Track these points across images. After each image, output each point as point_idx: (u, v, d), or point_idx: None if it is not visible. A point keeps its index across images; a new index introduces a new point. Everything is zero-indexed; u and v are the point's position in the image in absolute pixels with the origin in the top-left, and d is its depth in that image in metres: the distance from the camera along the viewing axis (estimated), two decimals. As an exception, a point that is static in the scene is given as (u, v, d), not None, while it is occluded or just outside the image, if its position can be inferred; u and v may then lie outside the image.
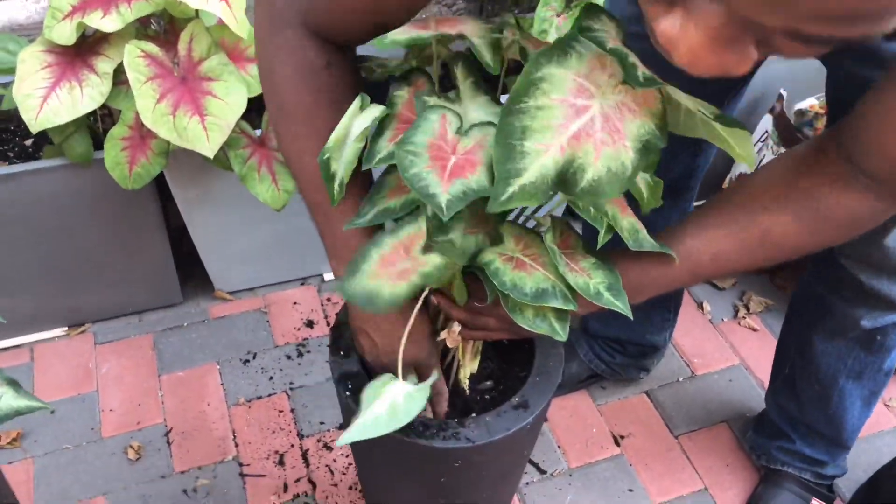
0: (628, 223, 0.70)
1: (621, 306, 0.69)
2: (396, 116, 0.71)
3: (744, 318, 1.64)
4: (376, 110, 0.68)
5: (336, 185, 0.69)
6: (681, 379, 1.52)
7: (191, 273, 1.62)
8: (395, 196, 0.69)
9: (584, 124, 0.56)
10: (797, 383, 1.18)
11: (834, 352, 1.09)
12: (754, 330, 1.62)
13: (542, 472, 1.36)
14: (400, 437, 0.82)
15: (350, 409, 0.86)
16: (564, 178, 0.57)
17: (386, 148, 0.67)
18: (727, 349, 1.58)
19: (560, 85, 0.56)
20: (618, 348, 1.41)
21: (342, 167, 0.68)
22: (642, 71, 0.56)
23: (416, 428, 0.83)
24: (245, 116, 1.25)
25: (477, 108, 0.69)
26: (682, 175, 1.15)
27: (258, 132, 1.25)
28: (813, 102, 1.58)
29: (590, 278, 0.70)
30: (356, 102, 0.68)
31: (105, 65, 1.18)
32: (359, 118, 0.67)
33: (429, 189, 0.60)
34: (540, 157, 0.56)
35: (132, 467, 1.34)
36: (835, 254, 0.98)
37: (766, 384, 1.51)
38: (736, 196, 0.74)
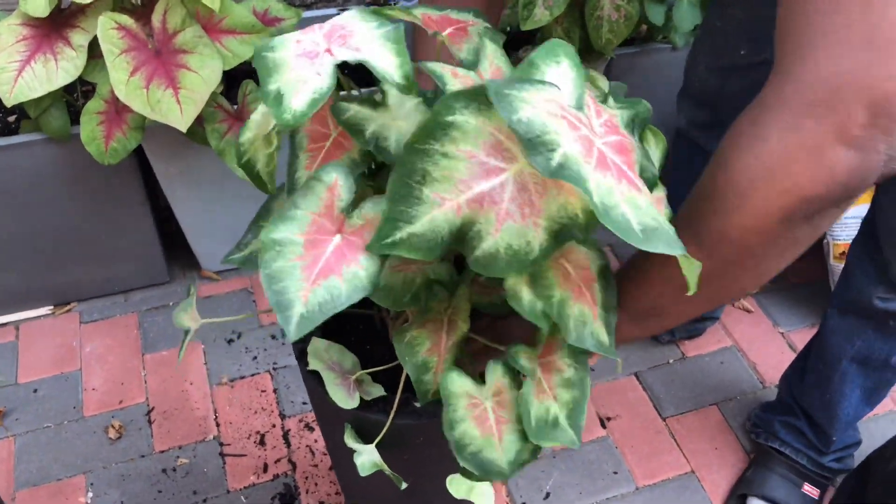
0: (579, 311, 0.61)
1: (570, 439, 0.63)
2: (307, 133, 0.64)
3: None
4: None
5: (267, 183, 0.66)
6: (671, 361, 1.50)
7: (178, 252, 1.61)
8: None
9: (490, 188, 0.49)
10: (808, 362, 1.16)
11: (843, 329, 1.06)
12: (749, 311, 1.59)
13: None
14: (360, 413, 0.80)
15: (312, 385, 0.84)
16: (461, 238, 0.50)
17: (305, 177, 0.61)
18: (720, 330, 1.55)
19: (474, 138, 0.49)
20: None
21: (265, 172, 0.65)
22: (563, 157, 0.46)
23: (376, 404, 0.81)
24: (224, 91, 1.24)
25: (406, 119, 0.61)
26: None
27: (235, 106, 1.23)
28: None
29: (554, 400, 0.64)
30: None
31: (80, 37, 1.16)
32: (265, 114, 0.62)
33: (285, 296, 0.51)
34: (434, 209, 0.49)
35: (113, 446, 1.33)
36: (877, 224, 0.96)
37: (759, 367, 1.48)
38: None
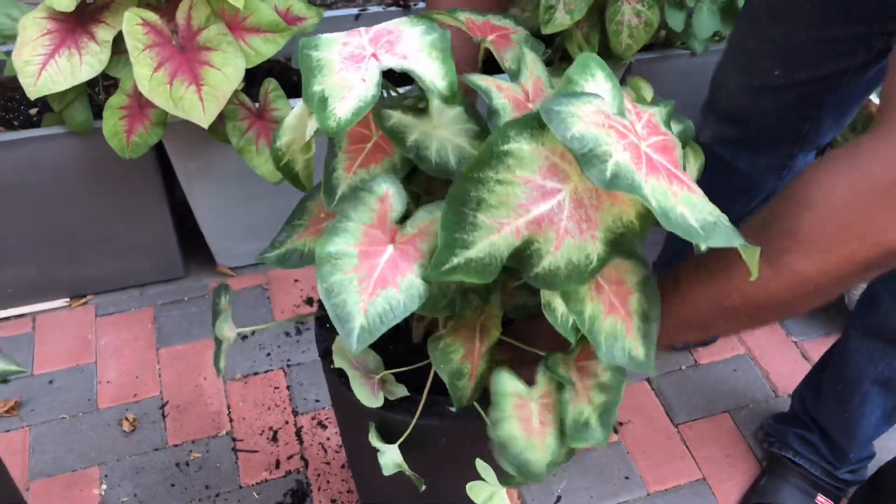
0: (610, 325, 0.61)
1: (598, 439, 0.64)
2: (347, 134, 0.64)
3: (752, 308, 1.60)
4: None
5: (305, 184, 0.66)
6: (683, 367, 1.50)
7: (194, 248, 1.62)
8: (310, 235, 0.64)
9: (548, 210, 0.51)
10: (824, 380, 1.16)
11: (867, 351, 1.06)
12: (762, 320, 1.58)
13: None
14: (384, 413, 0.81)
15: (335, 383, 0.84)
16: (519, 258, 0.51)
17: (344, 181, 0.61)
18: (733, 338, 1.55)
19: (529, 163, 0.50)
20: None
21: (303, 175, 0.65)
22: (615, 167, 0.48)
23: (399, 404, 0.81)
24: (245, 89, 1.25)
25: (448, 126, 0.61)
26: (786, 134, 1.12)
27: (257, 104, 1.23)
28: None
29: (588, 402, 0.65)
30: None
31: (105, 32, 1.17)
32: (310, 120, 0.63)
33: (344, 309, 0.52)
34: (492, 234, 0.50)
35: (127, 439, 1.34)
36: None
37: (771, 375, 1.48)
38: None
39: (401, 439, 0.80)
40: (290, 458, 1.32)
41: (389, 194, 0.56)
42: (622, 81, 1.50)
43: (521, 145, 0.50)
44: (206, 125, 1.12)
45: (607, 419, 0.66)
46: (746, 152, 1.16)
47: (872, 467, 1.27)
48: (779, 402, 1.44)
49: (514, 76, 0.65)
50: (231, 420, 1.37)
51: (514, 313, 0.72)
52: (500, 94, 0.62)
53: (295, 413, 1.39)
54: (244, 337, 1.51)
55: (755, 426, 1.40)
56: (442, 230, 0.51)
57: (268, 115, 1.22)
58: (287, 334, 1.51)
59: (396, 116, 0.61)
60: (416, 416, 0.80)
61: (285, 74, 1.48)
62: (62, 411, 1.37)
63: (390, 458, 0.78)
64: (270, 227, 1.55)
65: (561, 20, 1.29)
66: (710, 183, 1.27)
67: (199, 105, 1.12)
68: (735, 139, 1.16)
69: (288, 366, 1.46)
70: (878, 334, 1.04)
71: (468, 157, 0.61)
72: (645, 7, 1.32)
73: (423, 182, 0.70)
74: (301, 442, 1.34)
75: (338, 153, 0.62)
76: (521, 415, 0.65)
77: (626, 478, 1.31)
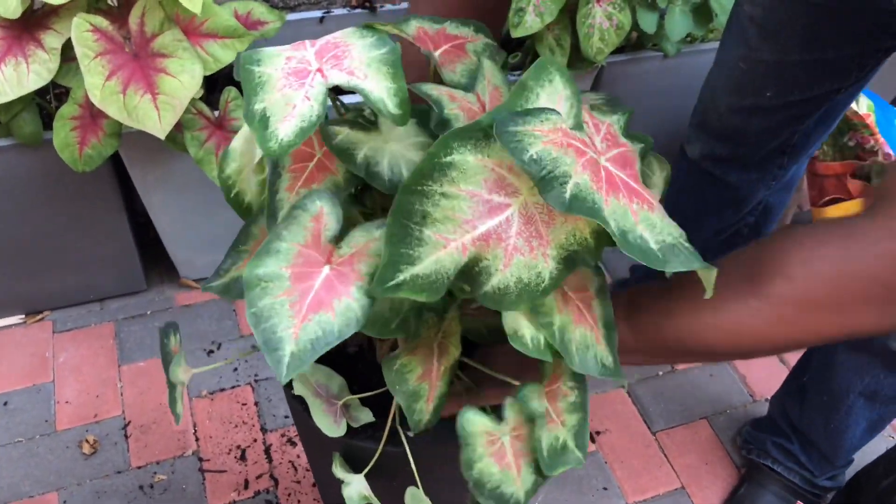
0: (581, 335, 0.59)
1: (577, 460, 0.63)
2: (291, 154, 0.60)
3: (727, 310, 1.58)
4: None
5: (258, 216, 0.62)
6: (660, 373, 1.48)
7: (156, 259, 1.56)
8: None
9: (496, 226, 0.47)
10: (808, 391, 1.15)
11: (854, 365, 1.05)
12: (737, 323, 1.57)
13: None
14: (348, 441, 0.77)
15: (297, 410, 0.80)
16: (468, 275, 0.48)
17: (287, 202, 0.57)
18: (709, 343, 1.53)
19: (474, 176, 0.47)
20: None
21: (256, 204, 0.61)
22: (575, 188, 0.45)
23: (364, 429, 0.78)
24: (204, 97, 1.20)
25: (400, 140, 0.58)
26: (777, 146, 1.11)
27: (216, 113, 1.18)
28: None
29: (562, 426, 0.62)
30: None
31: (53, 39, 1.11)
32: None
33: (274, 335, 0.48)
34: (438, 251, 0.47)
35: (87, 462, 1.28)
36: None
37: (748, 379, 1.47)
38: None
39: (366, 469, 0.76)
40: (259, 477, 1.28)
41: (324, 212, 0.52)
42: (594, 85, 1.47)
43: (465, 157, 0.47)
44: (162, 136, 1.07)
45: (582, 438, 0.64)
46: (737, 167, 1.15)
47: (849, 472, 1.26)
48: (756, 407, 1.42)
49: (466, 90, 0.61)
50: (197, 439, 1.32)
51: (475, 335, 0.69)
52: (454, 104, 0.58)
53: (264, 430, 1.34)
54: (210, 352, 1.46)
55: (733, 432, 1.38)
56: (386, 245, 0.48)
57: (228, 124, 1.17)
58: (254, 348, 1.46)
59: (343, 133, 0.57)
60: (382, 444, 0.76)
61: (247, 79, 1.42)
62: (18, 434, 1.31)
63: (355, 490, 0.75)
64: (233, 239, 1.51)
65: (531, 23, 1.26)
66: (700, 196, 1.24)
67: (155, 115, 1.07)
68: (726, 157, 1.14)
69: (256, 381, 1.41)
70: (865, 349, 1.03)
71: None
72: (616, 10, 1.30)
73: (378, 199, 0.66)
74: (270, 460, 1.30)
75: (281, 173, 0.58)
76: (494, 451, 0.62)
77: (605, 489, 1.29)
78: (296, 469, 1.29)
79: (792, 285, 0.52)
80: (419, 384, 0.66)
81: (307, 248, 0.51)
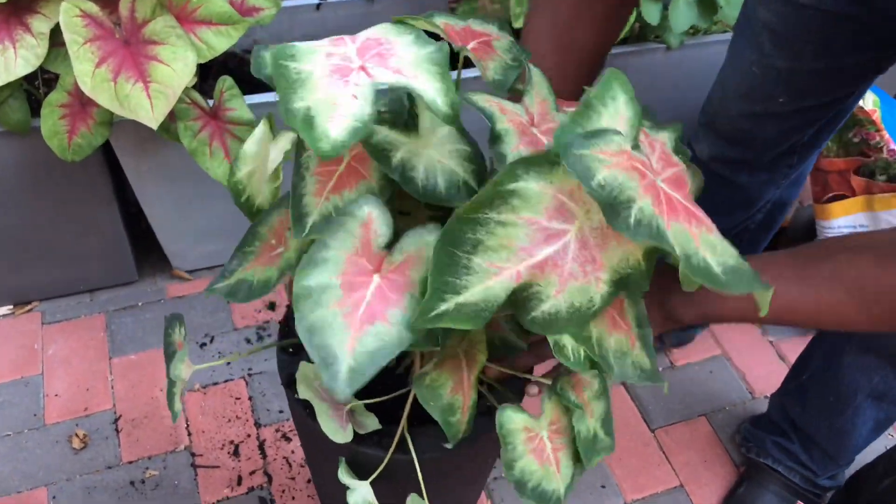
0: (616, 342, 0.58)
1: (608, 447, 0.63)
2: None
3: (726, 306, 1.57)
4: (286, 140, 0.56)
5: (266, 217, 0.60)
6: (660, 370, 1.46)
7: (148, 250, 1.53)
8: (261, 264, 0.58)
9: (553, 253, 0.47)
10: (809, 390, 1.13)
11: (862, 366, 1.03)
12: (737, 319, 1.55)
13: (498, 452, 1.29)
14: (354, 447, 0.75)
15: (300, 414, 0.78)
16: (516, 301, 0.47)
17: (315, 208, 0.55)
18: (709, 339, 1.52)
19: (536, 203, 0.46)
20: None
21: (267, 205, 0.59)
22: (639, 213, 0.44)
23: (370, 435, 0.76)
24: (198, 85, 1.16)
25: (438, 146, 0.56)
26: (787, 148, 1.09)
27: (210, 102, 1.15)
28: None
29: (591, 417, 0.62)
30: (264, 123, 0.56)
31: (41, 24, 1.08)
32: (274, 146, 0.56)
33: (329, 349, 0.46)
34: (488, 279, 0.46)
35: (77, 457, 1.26)
36: None
37: (747, 376, 1.46)
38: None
39: (372, 476, 0.74)
40: (252, 473, 1.26)
41: (373, 218, 0.50)
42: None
43: (529, 184, 0.46)
44: (154, 126, 1.04)
45: (609, 425, 0.65)
46: (747, 169, 1.12)
47: (848, 472, 1.25)
48: (756, 404, 1.41)
49: (500, 87, 0.60)
50: (189, 434, 1.30)
51: (499, 349, 0.67)
52: (504, 116, 0.57)
53: (258, 425, 1.32)
54: (202, 345, 1.43)
55: (732, 429, 1.37)
56: (431, 274, 0.46)
57: (223, 114, 1.14)
58: (247, 341, 1.44)
59: (383, 132, 0.55)
60: (391, 452, 0.75)
61: (242, 69, 1.39)
62: (6, 428, 1.29)
63: (361, 496, 0.73)
64: (228, 229, 1.48)
65: (533, 12, 1.23)
66: (709, 196, 1.22)
67: (147, 104, 1.04)
68: (736, 159, 1.11)
69: (249, 375, 1.39)
70: (875, 350, 1.01)
71: (458, 181, 0.56)
72: None
73: (395, 199, 0.64)
74: (264, 456, 1.28)
75: (305, 176, 0.55)
76: (534, 447, 0.62)
77: (603, 487, 1.27)
78: (290, 465, 1.27)
79: None
80: (452, 397, 0.65)
81: (356, 255, 0.49)
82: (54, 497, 1.21)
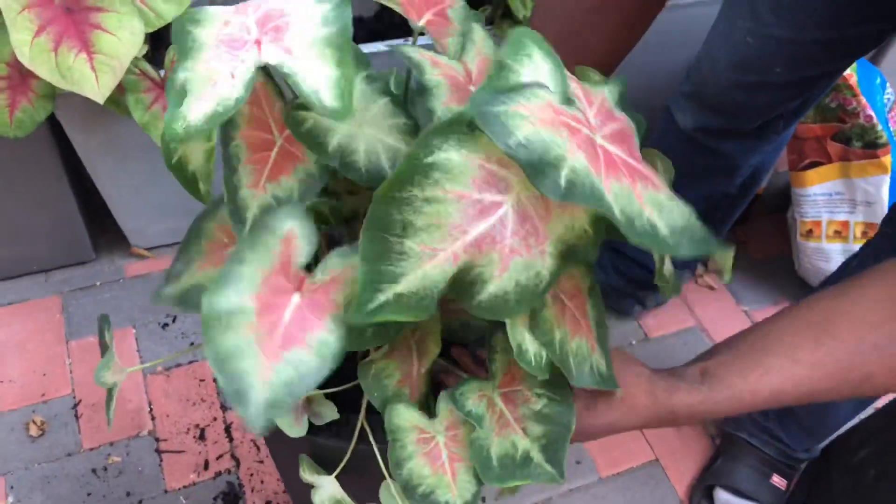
0: (577, 346, 0.54)
1: (549, 477, 0.57)
2: (244, 140, 0.51)
3: (701, 275, 1.55)
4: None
5: (203, 191, 0.55)
6: (634, 342, 1.44)
7: (104, 227, 1.46)
8: (214, 265, 0.53)
9: (489, 228, 0.42)
10: None
11: None
12: (712, 289, 1.54)
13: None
14: (314, 439, 0.71)
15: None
16: (458, 286, 0.43)
17: (254, 201, 0.49)
18: (683, 309, 1.50)
19: (460, 175, 0.41)
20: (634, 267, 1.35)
21: (202, 174, 0.53)
22: (570, 173, 0.39)
23: (329, 427, 0.72)
24: (149, 54, 1.09)
25: (375, 122, 0.51)
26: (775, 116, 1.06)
27: (162, 73, 1.08)
28: None
29: (524, 436, 0.58)
30: None
31: (-27, -11, 0.99)
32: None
33: (242, 380, 0.40)
34: (424, 263, 0.42)
35: (34, 444, 1.21)
36: None
37: (722, 348, 1.44)
38: (832, 323, 0.58)
39: (336, 471, 0.71)
40: (219, 457, 1.22)
41: (295, 234, 0.44)
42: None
43: (450, 154, 0.41)
44: (101, 100, 0.97)
45: (554, 453, 0.58)
46: (733, 138, 1.09)
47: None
48: (730, 375, 1.40)
49: (455, 58, 0.54)
50: (153, 418, 1.26)
51: (447, 332, 0.63)
52: (436, 69, 0.51)
53: (224, 408, 1.28)
54: (164, 325, 1.38)
55: (706, 401, 1.36)
56: (363, 262, 0.41)
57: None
58: (212, 320, 1.39)
59: (312, 118, 0.49)
60: (353, 443, 0.71)
61: (197, 33, 1.31)
62: (-41, 417, 1.23)
63: (327, 493, 0.69)
64: (187, 205, 1.41)
65: (503, -27, 1.17)
66: (690, 164, 1.18)
67: (92, 76, 0.97)
68: (722, 129, 1.07)
69: (214, 356, 1.34)
70: None
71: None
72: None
73: (334, 180, 0.59)
74: (231, 440, 1.24)
75: (237, 167, 0.50)
76: (427, 450, 0.58)
77: (578, 462, 1.26)
78: (258, 448, 1.24)
79: None
80: (399, 388, 0.61)
81: (275, 274, 0.44)
82: (12, 487, 1.16)
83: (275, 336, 0.41)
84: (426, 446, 0.58)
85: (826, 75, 0.97)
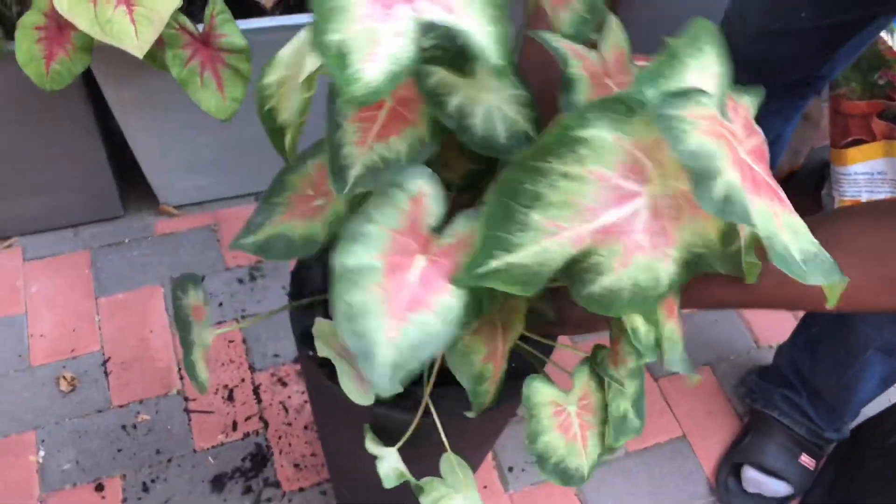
0: (669, 331, 0.54)
1: (636, 429, 0.60)
2: None
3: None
4: None
5: (288, 143, 0.53)
6: (664, 317, 1.43)
7: (133, 183, 1.45)
8: (299, 217, 0.52)
9: (622, 216, 0.40)
10: (821, 344, 1.11)
11: (876, 320, 1.01)
12: (743, 266, 1.52)
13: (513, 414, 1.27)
14: (380, 411, 0.71)
15: (314, 374, 0.74)
16: (572, 271, 0.41)
17: (358, 160, 0.48)
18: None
19: (607, 156, 0.40)
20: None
21: (292, 126, 0.52)
22: (725, 187, 0.38)
23: (389, 400, 0.71)
24: (186, 8, 1.07)
25: (496, 91, 0.49)
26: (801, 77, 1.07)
27: (200, 27, 1.06)
28: None
29: (624, 394, 0.59)
30: (308, 29, 0.49)
31: (11, -65, 0.97)
32: (311, 55, 0.48)
33: (369, 338, 0.40)
34: (544, 239, 0.40)
35: (65, 399, 1.22)
36: None
37: (753, 325, 1.43)
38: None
39: (400, 442, 0.70)
40: (247, 419, 1.22)
41: (425, 194, 0.43)
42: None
43: (602, 132, 0.39)
44: (140, 54, 0.95)
45: (640, 407, 0.62)
46: None
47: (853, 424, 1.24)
48: (760, 353, 1.39)
49: (578, 39, 0.54)
50: (182, 378, 1.26)
51: (525, 316, 0.63)
52: (579, 62, 0.50)
53: (252, 369, 1.28)
54: (193, 284, 1.37)
55: (735, 380, 1.35)
56: (482, 226, 0.40)
57: (213, 41, 1.05)
58: (240, 281, 1.39)
59: (439, 75, 0.48)
60: (419, 415, 0.71)
61: (232, -12, 1.28)
62: (-10, 369, 1.24)
63: (390, 465, 0.69)
64: (217, 163, 1.40)
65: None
66: None
67: (132, 30, 0.95)
68: (746, 85, 1.06)
69: (243, 317, 1.34)
70: None
71: (518, 130, 0.50)
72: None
73: (461, 162, 0.59)
74: (259, 401, 1.24)
75: (342, 123, 0.48)
76: (560, 422, 0.59)
77: (605, 435, 1.26)
78: (287, 410, 1.24)
79: None
80: (484, 365, 0.61)
81: (402, 234, 0.43)
82: (43, 441, 1.17)
83: (402, 296, 0.41)
84: (559, 419, 0.59)
85: (846, 26, 0.96)
